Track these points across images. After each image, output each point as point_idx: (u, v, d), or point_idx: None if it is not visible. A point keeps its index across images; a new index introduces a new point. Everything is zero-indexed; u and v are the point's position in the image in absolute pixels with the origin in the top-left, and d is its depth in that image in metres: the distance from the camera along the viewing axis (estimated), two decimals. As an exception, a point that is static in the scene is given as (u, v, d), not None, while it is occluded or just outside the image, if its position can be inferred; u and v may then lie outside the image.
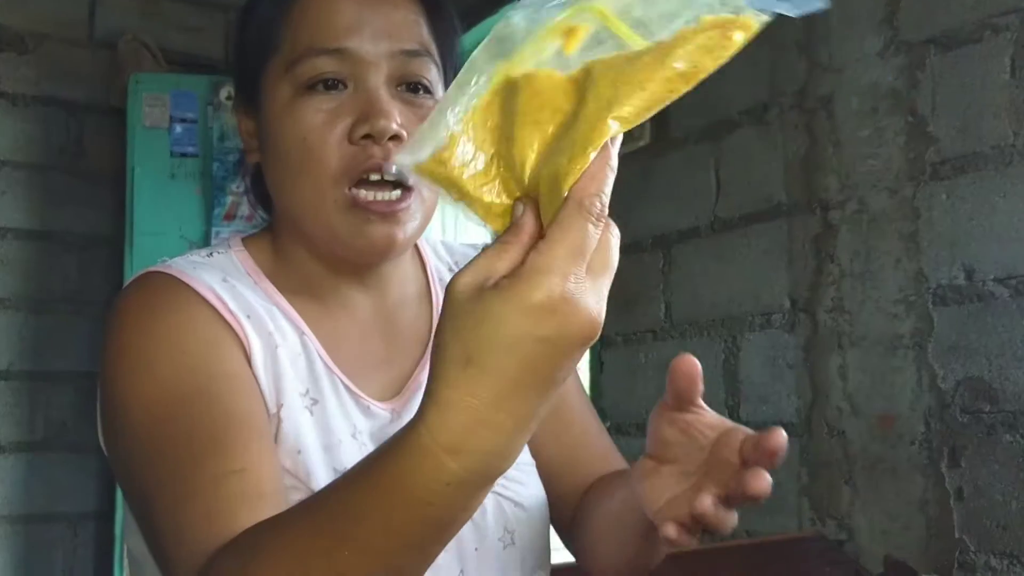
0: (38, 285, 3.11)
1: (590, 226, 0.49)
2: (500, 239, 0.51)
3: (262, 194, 0.92)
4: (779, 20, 1.90)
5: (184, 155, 2.95)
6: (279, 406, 0.78)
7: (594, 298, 0.48)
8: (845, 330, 1.79)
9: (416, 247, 0.97)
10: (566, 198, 0.49)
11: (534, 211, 0.51)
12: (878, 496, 1.71)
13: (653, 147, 2.27)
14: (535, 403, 0.49)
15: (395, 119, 0.79)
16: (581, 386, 1.02)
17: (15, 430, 3.04)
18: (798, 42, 1.91)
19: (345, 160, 0.78)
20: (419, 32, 0.84)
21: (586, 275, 0.48)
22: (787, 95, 1.93)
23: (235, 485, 0.66)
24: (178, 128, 2.94)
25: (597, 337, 0.50)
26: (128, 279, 2.85)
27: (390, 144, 0.79)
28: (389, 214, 0.79)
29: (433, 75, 0.84)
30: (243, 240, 0.90)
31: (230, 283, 0.81)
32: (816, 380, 1.84)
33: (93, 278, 3.18)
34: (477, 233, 5.44)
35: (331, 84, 0.80)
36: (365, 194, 0.79)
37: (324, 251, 0.84)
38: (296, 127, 0.80)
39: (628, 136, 2.04)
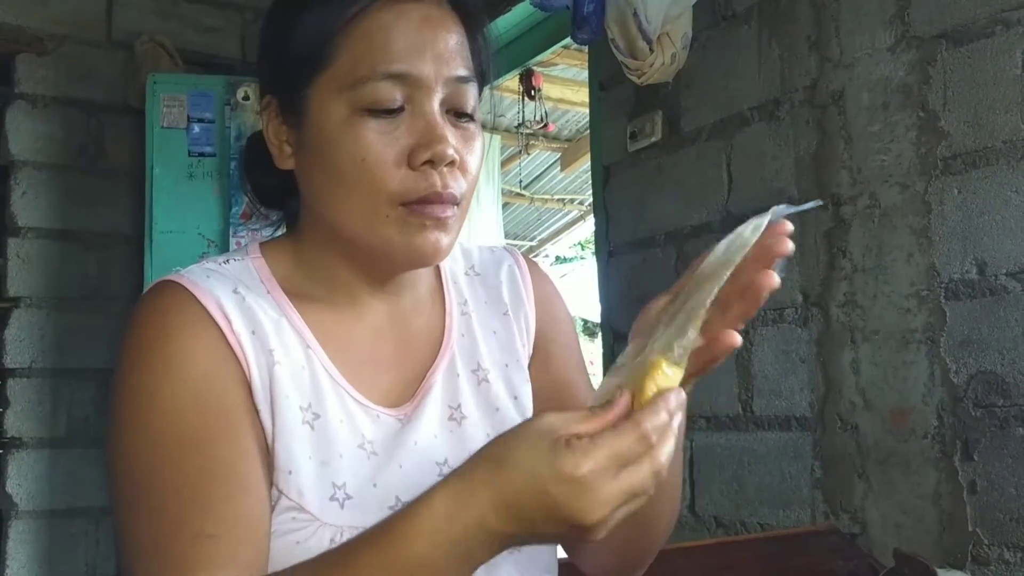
0: (59, 283, 3.15)
1: (636, 445, 0.62)
2: (598, 408, 0.65)
3: (272, 196, 0.94)
4: (789, 15, 1.93)
5: (202, 155, 2.98)
6: (273, 427, 0.79)
7: (599, 499, 0.61)
8: (857, 324, 1.80)
9: None
10: (632, 416, 0.63)
11: (628, 401, 0.65)
12: (891, 490, 1.72)
13: (665, 143, 2.28)
14: (512, 533, 0.63)
15: (452, 145, 0.81)
16: (590, 383, 1.03)
17: (37, 426, 3.08)
18: (809, 38, 1.91)
19: (405, 184, 0.81)
20: (467, 57, 0.86)
21: (611, 480, 0.61)
22: (798, 91, 1.94)
23: (209, 549, 0.71)
24: (196, 128, 2.98)
25: (581, 538, 0.63)
26: (148, 278, 2.86)
27: (445, 168, 0.81)
28: (442, 220, 0.82)
29: (476, 100, 0.87)
30: (262, 246, 0.91)
31: (240, 294, 0.83)
32: (829, 374, 1.85)
33: (113, 276, 3.21)
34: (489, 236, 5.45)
35: (391, 108, 0.81)
36: (419, 206, 0.81)
37: (365, 260, 0.86)
38: (355, 147, 0.81)
39: (640, 133, 2.06)
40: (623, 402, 0.65)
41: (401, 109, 0.82)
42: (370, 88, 0.81)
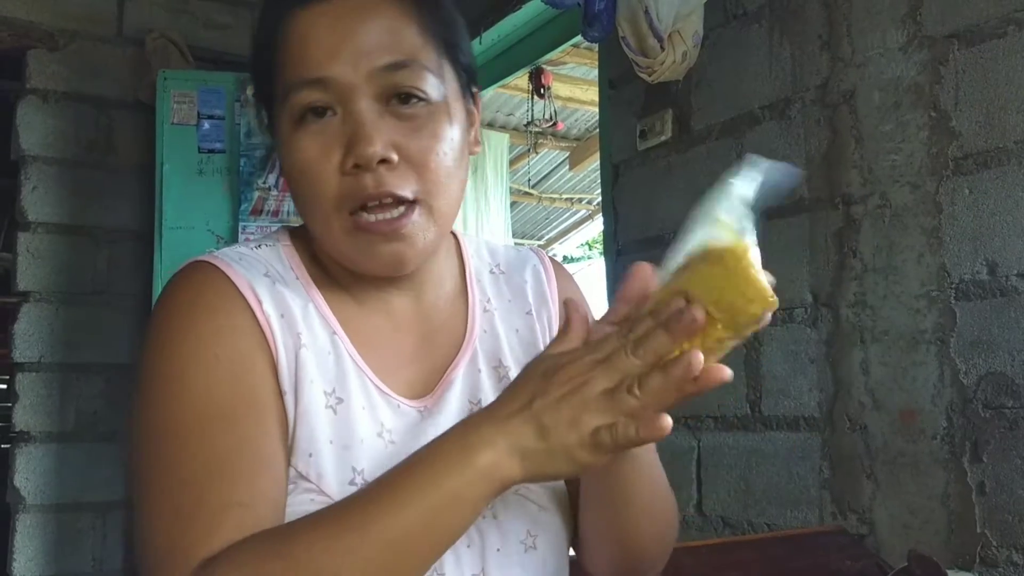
0: (68, 278, 3.16)
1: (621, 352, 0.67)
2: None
3: None
4: (800, 14, 1.93)
5: (212, 151, 2.99)
6: (296, 409, 0.80)
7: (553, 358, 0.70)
8: (867, 325, 1.79)
9: (458, 245, 0.98)
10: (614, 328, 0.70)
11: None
12: (900, 490, 1.72)
13: (675, 142, 2.27)
14: (498, 410, 0.70)
15: (378, 143, 0.78)
16: None
17: (46, 420, 3.09)
18: (820, 36, 1.91)
19: (342, 190, 0.79)
20: (401, 40, 0.81)
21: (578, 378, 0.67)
22: (809, 90, 1.93)
23: (238, 516, 0.71)
24: (206, 124, 2.99)
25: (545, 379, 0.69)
26: (157, 274, 2.86)
27: (381, 168, 0.78)
28: (392, 232, 0.80)
29: (428, 81, 0.81)
30: (291, 232, 0.91)
31: (271, 278, 0.84)
32: (838, 375, 1.85)
33: (122, 271, 3.23)
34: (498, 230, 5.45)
35: (319, 111, 0.80)
36: (367, 216, 0.79)
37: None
38: (296, 159, 0.81)
39: (650, 131, 2.06)
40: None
41: (334, 112, 0.80)
42: (295, 99, 0.80)
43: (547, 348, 0.72)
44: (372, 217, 0.79)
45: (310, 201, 0.81)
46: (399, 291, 0.89)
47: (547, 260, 1.01)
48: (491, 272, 0.99)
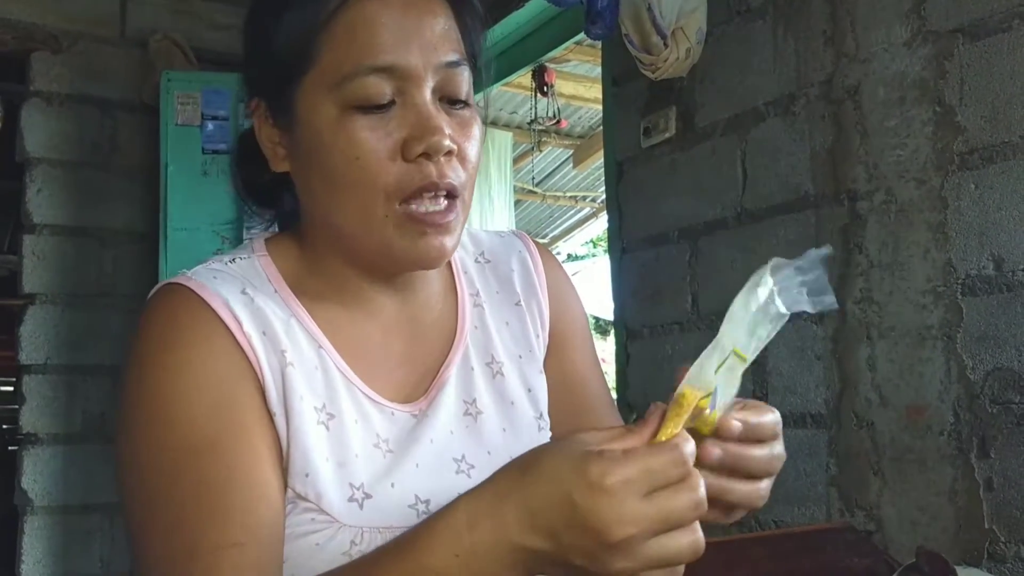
0: (74, 280, 3.17)
1: (670, 466, 0.59)
2: (633, 426, 0.64)
3: (267, 193, 0.92)
4: (804, 9, 1.93)
5: (216, 152, 2.99)
6: (288, 429, 0.78)
7: (625, 514, 0.57)
8: (873, 321, 1.79)
9: None
10: (673, 439, 0.62)
11: (659, 418, 0.64)
12: (907, 487, 1.71)
13: (679, 139, 2.27)
14: (533, 547, 0.60)
15: (447, 135, 0.79)
16: (603, 377, 1.01)
17: (53, 422, 3.09)
18: (824, 32, 1.90)
19: (400, 178, 0.78)
20: (456, 39, 0.83)
21: (640, 498, 0.58)
22: (814, 85, 1.93)
23: (235, 558, 0.70)
24: (210, 125, 2.99)
25: (606, 564, 0.59)
26: (162, 274, 2.87)
27: (442, 159, 0.79)
28: (443, 225, 0.80)
29: (469, 84, 0.84)
30: (267, 242, 0.89)
31: (249, 295, 0.81)
32: (844, 371, 1.84)
33: (128, 273, 3.23)
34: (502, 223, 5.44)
35: (381, 98, 0.79)
36: (417, 207, 0.79)
37: (368, 262, 0.84)
38: (348, 147, 0.78)
39: (654, 128, 2.06)
40: (656, 416, 0.64)
41: (392, 103, 0.79)
42: (358, 84, 0.78)
43: (586, 443, 0.62)
44: (423, 208, 0.79)
45: (354, 189, 0.79)
46: (388, 293, 0.88)
47: (532, 245, 0.99)
48: (476, 262, 0.97)
